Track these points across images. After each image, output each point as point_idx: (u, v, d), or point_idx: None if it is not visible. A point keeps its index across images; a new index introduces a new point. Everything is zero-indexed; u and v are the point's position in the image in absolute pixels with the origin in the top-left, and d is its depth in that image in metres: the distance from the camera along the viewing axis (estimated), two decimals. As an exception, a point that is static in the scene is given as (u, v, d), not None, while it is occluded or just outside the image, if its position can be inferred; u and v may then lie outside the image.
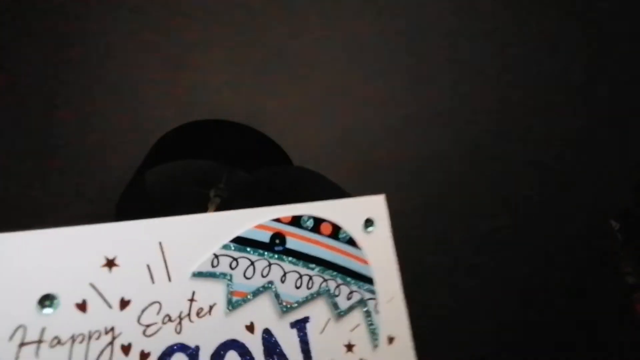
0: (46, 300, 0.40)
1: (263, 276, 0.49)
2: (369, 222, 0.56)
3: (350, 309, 0.53)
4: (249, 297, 0.48)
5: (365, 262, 0.55)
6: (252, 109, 0.83)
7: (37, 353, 0.39)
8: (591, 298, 0.92)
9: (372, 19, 0.90)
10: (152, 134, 0.68)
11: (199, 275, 0.46)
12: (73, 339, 0.40)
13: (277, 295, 0.50)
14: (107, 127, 0.77)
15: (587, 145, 0.94)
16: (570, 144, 0.94)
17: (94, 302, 0.42)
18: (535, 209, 0.93)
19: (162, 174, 0.61)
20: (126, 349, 0.42)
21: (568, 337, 0.93)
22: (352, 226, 0.55)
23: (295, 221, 0.52)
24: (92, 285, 0.42)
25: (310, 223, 0.53)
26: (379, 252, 0.56)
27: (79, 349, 0.40)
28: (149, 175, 0.59)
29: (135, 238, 0.44)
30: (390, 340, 0.55)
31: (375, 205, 0.58)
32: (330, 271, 0.53)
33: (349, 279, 0.54)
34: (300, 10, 0.87)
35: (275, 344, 0.49)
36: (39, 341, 0.39)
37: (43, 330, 0.39)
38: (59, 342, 0.40)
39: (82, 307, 0.41)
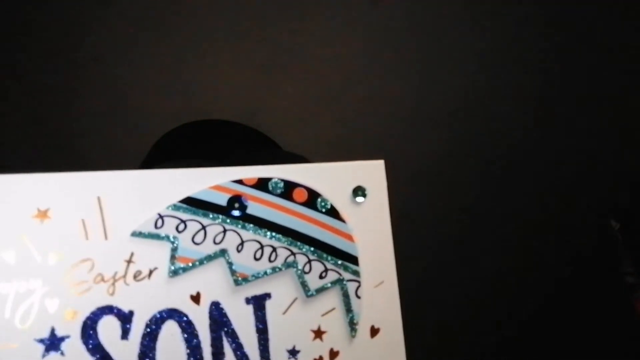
0: (-30, 246, 0.39)
1: (215, 243, 0.44)
2: (359, 190, 0.47)
3: (323, 289, 0.46)
4: (195, 264, 0.43)
5: (349, 237, 0.47)
6: (252, 109, 0.82)
7: (-43, 298, 0.38)
8: (591, 298, 0.90)
9: (375, 17, 0.87)
10: (152, 134, 0.67)
11: (139, 235, 0.42)
12: (-4, 288, 0.39)
13: (230, 265, 0.44)
14: (107, 127, 0.78)
15: (587, 144, 0.91)
16: (570, 144, 0.91)
17: (21, 253, 0.40)
18: (534, 209, 0.90)
19: None
20: (52, 305, 0.40)
21: (567, 337, 0.90)
22: (335, 194, 0.47)
23: (262, 184, 0.45)
24: (21, 236, 0.40)
25: (280, 187, 0.46)
26: (369, 228, 0.47)
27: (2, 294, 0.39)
28: None
29: (72, 191, 0.42)
30: (374, 331, 0.46)
31: (371, 172, 0.48)
32: (300, 244, 0.46)
33: (324, 254, 0.46)
34: (301, 10, 0.85)
35: (226, 320, 0.43)
36: (-40, 287, 0.38)
37: (-35, 277, 0.39)
38: (-20, 290, 0.39)
39: (8, 257, 0.40)
